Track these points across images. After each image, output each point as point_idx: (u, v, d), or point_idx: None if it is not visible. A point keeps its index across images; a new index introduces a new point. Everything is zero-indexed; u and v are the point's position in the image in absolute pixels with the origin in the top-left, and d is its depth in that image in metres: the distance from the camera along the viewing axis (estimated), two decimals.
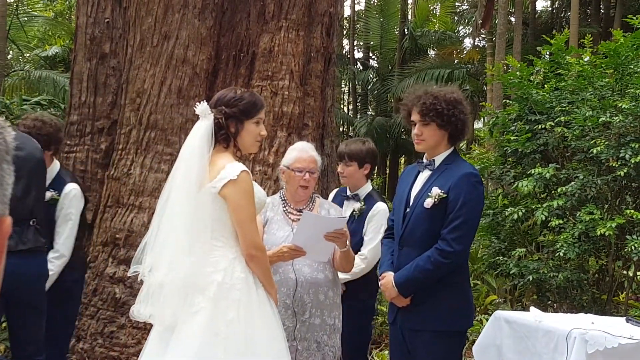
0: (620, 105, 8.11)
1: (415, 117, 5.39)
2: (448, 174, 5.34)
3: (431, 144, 5.43)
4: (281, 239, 5.64)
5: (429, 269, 5.24)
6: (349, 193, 6.89)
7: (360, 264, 6.51)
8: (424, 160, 5.54)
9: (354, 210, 6.71)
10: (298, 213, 5.80)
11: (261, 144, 5.07)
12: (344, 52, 35.64)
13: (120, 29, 8.79)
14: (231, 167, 4.66)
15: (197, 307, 4.53)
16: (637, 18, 9.23)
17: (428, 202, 5.25)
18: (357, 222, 6.65)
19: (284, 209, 5.87)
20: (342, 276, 6.33)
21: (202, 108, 4.83)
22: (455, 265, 5.32)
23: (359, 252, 6.55)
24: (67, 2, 26.31)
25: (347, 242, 5.63)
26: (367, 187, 6.91)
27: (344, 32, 35.32)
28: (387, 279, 5.41)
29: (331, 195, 7.11)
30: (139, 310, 4.71)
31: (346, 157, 6.78)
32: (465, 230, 5.28)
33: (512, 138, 8.92)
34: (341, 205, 6.67)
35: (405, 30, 31.76)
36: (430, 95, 5.38)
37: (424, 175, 5.49)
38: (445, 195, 5.24)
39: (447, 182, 5.29)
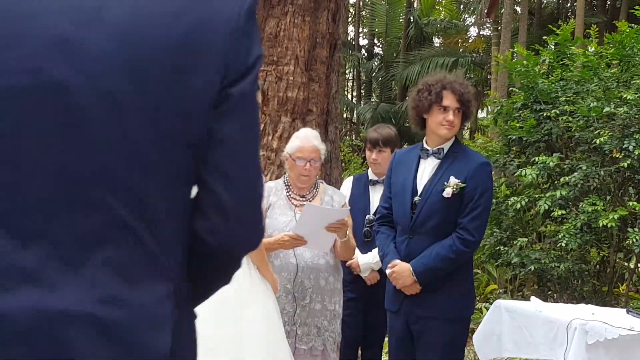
0: (625, 96, 8.09)
1: (452, 102, 5.36)
2: (461, 163, 5.36)
3: (456, 132, 5.48)
4: (283, 224, 5.64)
5: (451, 257, 5.25)
6: (375, 178, 6.73)
7: None
8: (426, 147, 5.53)
9: None
10: (301, 198, 5.81)
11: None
12: (349, 38, 35.56)
13: None
14: None
15: None
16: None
17: (448, 192, 5.25)
18: None
19: (287, 194, 5.87)
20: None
21: None
22: (472, 254, 5.38)
23: None
24: None
25: (348, 232, 5.63)
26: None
27: (350, 19, 35.23)
28: (403, 266, 5.38)
29: (348, 183, 6.97)
30: None
31: (381, 143, 6.66)
32: (484, 219, 5.41)
33: (517, 125, 8.91)
34: (365, 192, 6.63)
35: (411, 18, 31.65)
36: (465, 85, 5.43)
37: (431, 163, 5.47)
38: (464, 185, 5.25)
39: (463, 172, 5.31)
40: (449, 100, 5.35)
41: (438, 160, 5.44)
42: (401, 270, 5.36)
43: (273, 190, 5.88)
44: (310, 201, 5.77)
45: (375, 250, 6.26)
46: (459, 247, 5.24)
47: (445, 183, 5.28)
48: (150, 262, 1.63)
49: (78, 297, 1.55)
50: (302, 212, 5.44)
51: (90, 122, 1.56)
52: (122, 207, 1.59)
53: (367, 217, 6.45)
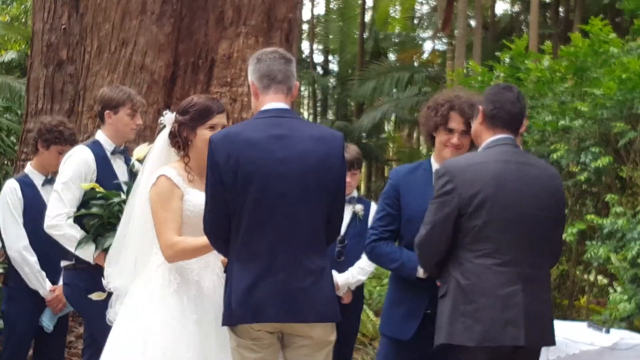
0: (579, 108, 8.11)
1: (458, 125, 4.92)
2: None
3: (464, 153, 4.96)
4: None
5: None
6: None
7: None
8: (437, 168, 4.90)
9: (356, 213, 6.58)
10: None
11: None
12: (303, 56, 35.55)
13: (77, 35, 8.67)
14: (157, 172, 4.65)
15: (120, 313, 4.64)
16: (591, 25, 9.26)
17: None
18: (361, 224, 6.50)
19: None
20: (361, 277, 6.44)
21: (167, 117, 4.81)
22: None
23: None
24: (23, 7, 25.97)
25: None
26: (354, 190, 6.77)
27: (303, 36, 35.24)
28: None
29: None
30: (109, 314, 4.81)
31: (355, 164, 6.56)
32: None
33: None
34: None
35: (367, 33, 31.70)
36: (472, 106, 4.90)
37: None
38: None
39: None
40: (455, 122, 4.96)
41: None
42: None
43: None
44: None
45: (353, 270, 6.32)
46: None
47: None
48: None
49: None
50: None
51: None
52: None
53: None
